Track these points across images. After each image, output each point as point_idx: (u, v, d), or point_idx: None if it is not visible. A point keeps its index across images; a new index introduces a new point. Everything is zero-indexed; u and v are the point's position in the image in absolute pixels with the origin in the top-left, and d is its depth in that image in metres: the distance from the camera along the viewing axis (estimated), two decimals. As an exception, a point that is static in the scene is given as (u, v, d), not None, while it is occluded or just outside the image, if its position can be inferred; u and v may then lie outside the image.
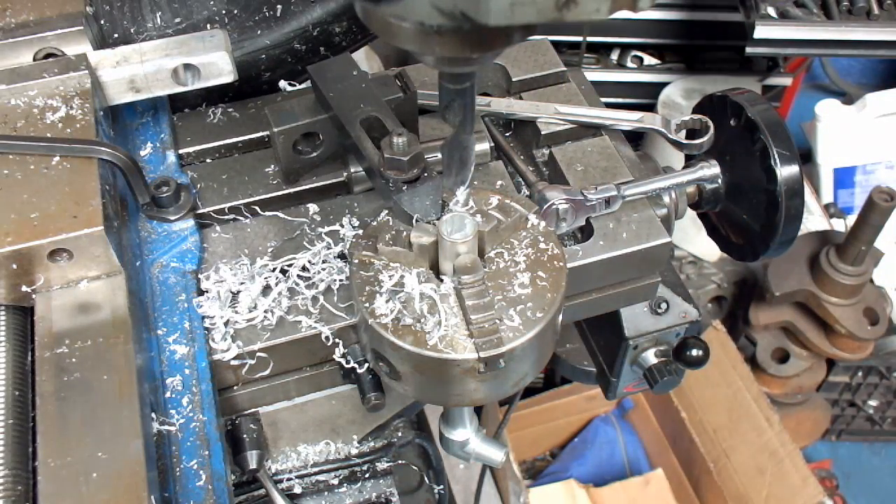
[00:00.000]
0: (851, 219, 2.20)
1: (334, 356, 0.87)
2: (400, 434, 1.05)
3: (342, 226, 0.92)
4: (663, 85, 2.42)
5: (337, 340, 0.87)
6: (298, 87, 1.06)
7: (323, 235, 0.92)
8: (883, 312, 2.11)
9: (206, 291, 0.88)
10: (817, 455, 2.68)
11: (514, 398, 1.31)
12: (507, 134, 1.07)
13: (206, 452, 0.77)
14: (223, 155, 1.01)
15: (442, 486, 1.12)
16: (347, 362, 0.87)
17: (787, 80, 2.52)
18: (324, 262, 0.89)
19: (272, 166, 0.99)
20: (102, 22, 1.01)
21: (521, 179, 1.00)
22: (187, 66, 0.94)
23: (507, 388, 0.82)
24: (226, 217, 0.95)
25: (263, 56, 1.04)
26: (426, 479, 1.09)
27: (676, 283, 1.09)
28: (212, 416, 0.80)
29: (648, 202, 0.98)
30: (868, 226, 1.92)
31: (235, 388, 0.91)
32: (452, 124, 0.74)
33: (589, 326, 1.20)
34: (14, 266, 0.77)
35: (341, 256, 0.90)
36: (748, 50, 2.05)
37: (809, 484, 2.04)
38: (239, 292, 0.87)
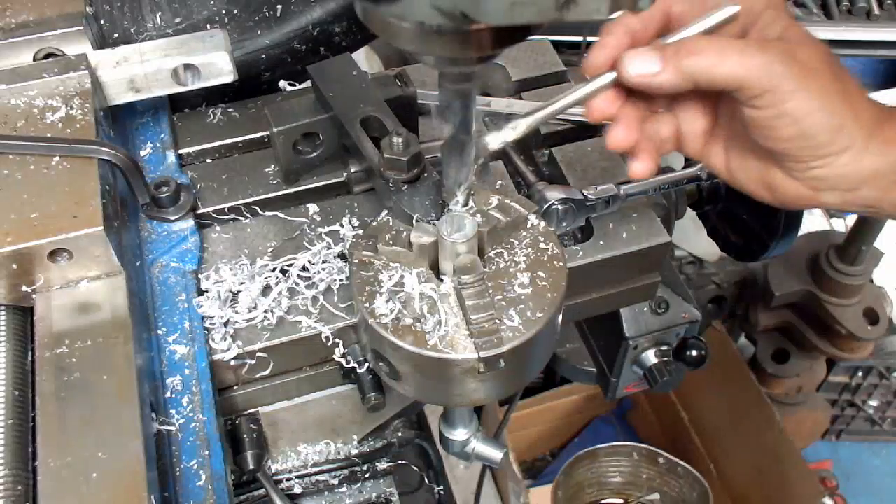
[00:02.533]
0: (851, 219, 2.20)
1: (334, 356, 0.87)
2: (400, 434, 1.05)
3: (342, 226, 0.92)
4: (663, 85, 2.41)
5: (337, 340, 0.87)
6: (298, 87, 1.06)
7: (323, 235, 0.92)
8: (883, 312, 2.11)
9: (206, 291, 0.88)
10: (817, 455, 2.68)
11: (514, 398, 1.32)
12: (507, 134, 1.07)
13: (206, 452, 0.77)
14: (223, 155, 1.01)
15: (442, 487, 1.12)
16: (347, 362, 0.87)
17: (787, 80, 2.52)
18: (324, 262, 0.89)
19: (272, 166, 0.99)
20: (102, 22, 1.01)
21: (521, 179, 1.00)
22: (187, 66, 0.94)
23: (507, 388, 0.82)
24: (226, 217, 0.95)
25: (263, 56, 1.04)
26: (426, 479, 1.09)
27: (676, 283, 1.09)
28: (212, 416, 0.80)
29: (648, 202, 0.98)
30: (868, 226, 1.92)
31: (235, 388, 0.91)
32: (452, 124, 0.74)
33: (589, 326, 1.20)
34: (14, 266, 0.77)
35: (341, 256, 0.90)
36: (748, 50, 2.05)
37: (809, 484, 2.04)
38: (239, 292, 0.87)
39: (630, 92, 0.71)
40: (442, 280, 0.79)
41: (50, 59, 0.94)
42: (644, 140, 0.74)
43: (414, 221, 0.81)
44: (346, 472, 1.02)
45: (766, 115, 0.68)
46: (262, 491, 0.98)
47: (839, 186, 0.71)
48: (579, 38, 2.30)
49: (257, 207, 0.95)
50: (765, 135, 0.69)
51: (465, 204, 0.81)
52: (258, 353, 0.86)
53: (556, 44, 1.14)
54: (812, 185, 0.71)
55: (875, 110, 0.70)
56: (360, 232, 0.90)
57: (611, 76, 0.70)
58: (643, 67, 0.68)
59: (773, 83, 0.66)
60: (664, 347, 1.11)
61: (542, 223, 0.83)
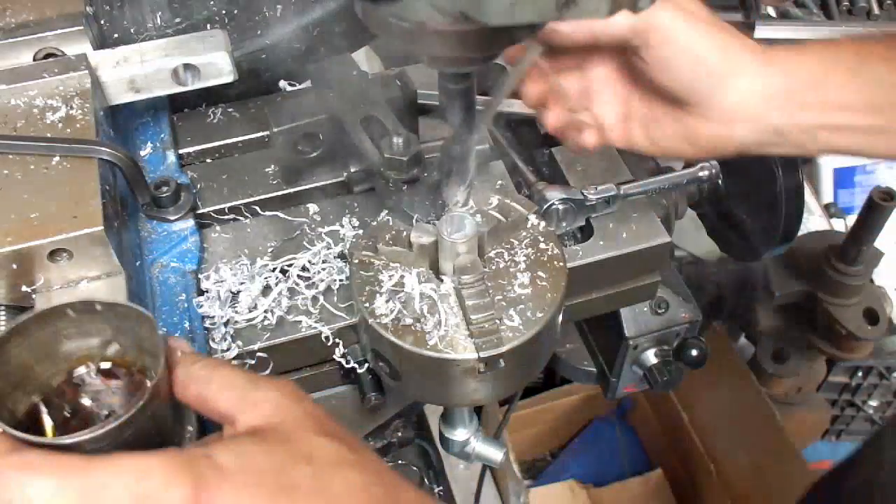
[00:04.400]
0: (851, 219, 2.20)
1: (334, 356, 0.87)
2: (400, 434, 1.05)
3: (342, 226, 0.92)
4: (663, 85, 2.41)
5: (337, 340, 0.87)
6: (298, 87, 1.06)
7: (323, 235, 0.92)
8: (883, 312, 2.10)
9: (206, 291, 0.87)
10: (817, 455, 2.67)
11: (514, 398, 1.31)
12: (507, 134, 1.07)
13: (206, 452, 0.77)
14: (223, 155, 1.01)
15: (442, 487, 1.12)
16: (347, 362, 0.87)
17: (787, 80, 2.51)
18: (324, 262, 0.89)
19: (272, 166, 0.99)
20: (102, 22, 1.01)
21: (521, 179, 1.00)
22: (187, 66, 0.94)
23: (507, 388, 0.82)
24: (226, 217, 0.95)
25: (263, 56, 1.04)
26: (426, 479, 1.09)
27: (676, 283, 1.09)
28: (212, 416, 0.79)
29: (648, 202, 0.98)
30: (868, 226, 1.92)
31: (235, 388, 0.90)
32: (452, 124, 0.74)
33: (589, 326, 1.20)
34: (14, 266, 0.77)
35: (341, 256, 0.90)
36: (748, 50, 2.05)
37: (809, 484, 2.03)
38: (239, 292, 0.87)
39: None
40: (442, 280, 0.79)
41: (50, 59, 0.94)
42: (553, 94, 0.80)
43: (414, 221, 0.81)
44: (346, 472, 1.02)
45: (661, 53, 0.72)
46: (262, 491, 0.98)
47: (747, 116, 0.75)
48: (579, 38, 2.29)
49: (257, 207, 0.95)
50: (667, 76, 0.74)
51: (465, 204, 0.81)
52: (258, 353, 0.86)
53: (556, 44, 1.13)
54: (722, 120, 0.75)
55: (758, 43, 0.75)
56: (360, 232, 0.90)
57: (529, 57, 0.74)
58: None
59: (657, 21, 0.71)
60: (664, 347, 1.11)
61: (542, 223, 0.84)
